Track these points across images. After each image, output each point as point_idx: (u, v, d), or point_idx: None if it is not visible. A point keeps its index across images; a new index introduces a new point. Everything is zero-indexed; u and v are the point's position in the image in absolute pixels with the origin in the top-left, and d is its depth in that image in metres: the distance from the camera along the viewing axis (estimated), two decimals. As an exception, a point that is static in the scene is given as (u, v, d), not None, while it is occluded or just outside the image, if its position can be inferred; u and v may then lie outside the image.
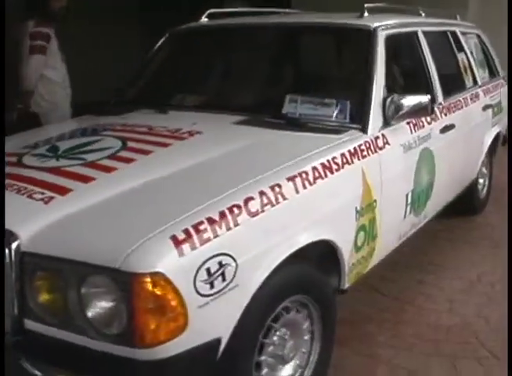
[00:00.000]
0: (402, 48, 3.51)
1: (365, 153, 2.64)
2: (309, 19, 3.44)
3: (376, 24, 3.10)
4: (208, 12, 3.61)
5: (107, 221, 1.96)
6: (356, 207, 2.54)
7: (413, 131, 3.09)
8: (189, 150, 2.48)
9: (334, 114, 2.83)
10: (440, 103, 3.55)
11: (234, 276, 1.91)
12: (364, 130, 2.76)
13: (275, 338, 2.25)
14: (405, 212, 3.05)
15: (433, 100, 3.38)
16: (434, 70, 3.59)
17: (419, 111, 2.88)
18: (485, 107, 4.29)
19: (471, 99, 4.06)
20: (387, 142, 2.82)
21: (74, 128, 3.00)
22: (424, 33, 3.62)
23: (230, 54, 3.51)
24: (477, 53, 4.62)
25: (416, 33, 3.54)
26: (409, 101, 2.85)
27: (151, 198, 2.07)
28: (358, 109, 2.83)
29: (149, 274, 1.72)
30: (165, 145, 2.53)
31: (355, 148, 2.59)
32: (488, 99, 4.39)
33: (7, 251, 1.84)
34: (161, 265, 1.73)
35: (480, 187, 4.66)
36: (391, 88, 3.06)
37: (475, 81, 4.33)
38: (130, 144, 2.54)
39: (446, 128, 3.49)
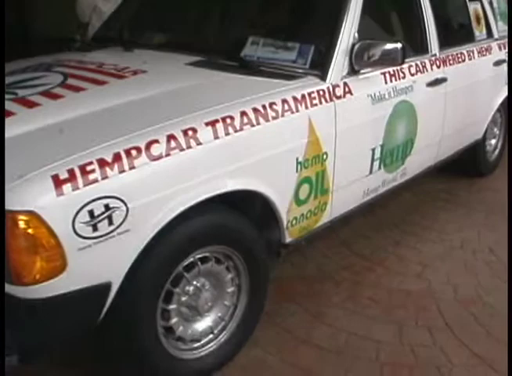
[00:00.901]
0: None
1: (315, 101, 2.47)
2: None
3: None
4: None
5: (8, 156, 1.90)
6: (298, 159, 2.39)
7: (389, 81, 2.87)
8: (122, 89, 2.38)
9: (294, 59, 2.65)
10: (433, 55, 3.29)
11: (124, 220, 1.83)
12: (323, 77, 2.58)
13: (188, 288, 2.18)
14: (371, 167, 2.87)
15: (425, 51, 3.17)
16: (432, 18, 3.33)
17: (387, 60, 2.66)
18: (498, 62, 3.96)
19: (479, 52, 3.76)
20: (350, 92, 2.64)
21: (35, 63, 2.93)
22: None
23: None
24: (500, 3, 4.25)
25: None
26: (376, 48, 2.63)
27: (58, 137, 2.00)
28: (322, 54, 2.64)
29: (22, 212, 1.67)
30: (102, 83, 2.44)
31: (302, 95, 2.42)
32: (504, 54, 4.05)
33: None
34: (35, 204, 1.67)
35: (489, 148, 4.37)
36: (370, 34, 2.84)
37: (490, 34, 4.00)
38: (69, 81, 2.47)
39: (437, 82, 3.25)
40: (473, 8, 3.84)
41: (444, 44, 3.44)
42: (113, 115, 2.13)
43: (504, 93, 4.14)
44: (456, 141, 3.74)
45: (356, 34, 2.72)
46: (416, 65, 3.11)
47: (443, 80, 3.29)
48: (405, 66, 2.99)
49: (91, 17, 4.32)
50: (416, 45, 3.28)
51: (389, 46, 2.62)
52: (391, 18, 3.23)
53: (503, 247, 3.26)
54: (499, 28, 4.15)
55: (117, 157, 1.83)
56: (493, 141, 4.42)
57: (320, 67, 2.61)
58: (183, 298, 2.19)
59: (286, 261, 3.10)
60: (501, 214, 3.64)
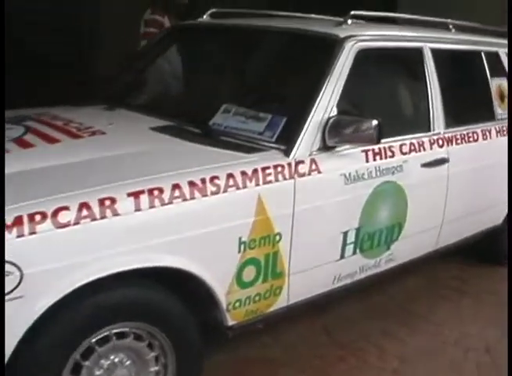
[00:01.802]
0: (393, 65, 3.07)
1: (270, 178, 2.31)
2: (277, 23, 3.12)
3: (347, 34, 2.73)
4: (211, 11, 3.42)
5: None
6: (241, 238, 2.23)
7: (371, 160, 2.68)
8: (66, 149, 2.33)
9: (262, 131, 2.52)
10: (437, 133, 3.06)
11: (17, 286, 1.75)
12: (287, 152, 2.43)
13: (103, 362, 2.04)
14: (343, 252, 2.66)
15: (425, 128, 2.97)
16: (438, 94, 3.11)
17: (361, 138, 2.48)
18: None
19: (499, 132, 3.48)
20: (317, 170, 2.46)
21: (20, 114, 2.95)
22: (434, 50, 3.14)
23: (186, 55, 3.27)
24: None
25: (420, 49, 3.08)
26: (349, 125, 2.47)
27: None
28: (291, 128, 2.50)
29: None
30: (53, 141, 2.41)
31: (254, 170, 2.27)
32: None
33: None
34: None
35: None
36: (360, 108, 2.71)
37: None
38: (26, 136, 2.46)
39: (436, 163, 3.01)
40: (496, 84, 3.59)
41: (453, 122, 3.20)
42: (35, 177, 2.06)
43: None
44: (465, 227, 3.44)
45: (335, 108, 2.57)
46: (411, 144, 2.89)
47: (444, 161, 3.04)
48: (395, 144, 2.80)
49: None
50: (416, 123, 3.08)
51: (363, 123, 2.45)
52: (388, 92, 3.04)
53: (503, 347, 2.91)
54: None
55: (17, 221, 1.76)
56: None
57: (286, 141, 2.46)
58: (97, 372, 2.04)
59: (255, 340, 2.90)
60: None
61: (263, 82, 2.84)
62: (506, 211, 3.72)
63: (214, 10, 3.43)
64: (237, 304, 2.33)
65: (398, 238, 2.92)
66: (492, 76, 3.57)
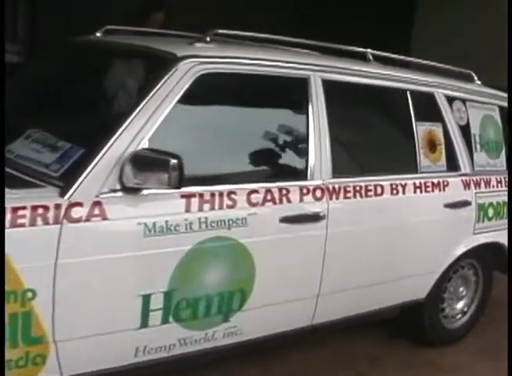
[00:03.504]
0: (259, 95, 2.56)
1: (22, 221, 1.86)
2: (126, 40, 2.68)
3: (187, 53, 2.27)
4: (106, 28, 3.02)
5: None
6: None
7: (194, 209, 2.17)
8: None
9: (49, 163, 2.09)
10: (315, 183, 2.52)
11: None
12: (63, 191, 1.98)
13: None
14: (145, 319, 2.15)
15: (299, 176, 2.47)
16: (326, 135, 2.58)
17: (155, 180, 2.00)
18: (456, 205, 3.03)
19: (419, 187, 2.88)
20: (103, 215, 2.00)
21: None
22: (328, 82, 2.62)
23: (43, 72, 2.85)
24: (487, 130, 3.34)
25: (305, 79, 2.57)
26: (145, 163, 2.00)
27: None
28: (82, 162, 2.05)
29: None
30: None
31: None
32: (471, 194, 3.11)
33: None
34: None
35: (450, 312, 3.35)
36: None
37: (453, 166, 3.10)
38: None
39: (305, 218, 2.46)
40: (425, 130, 3.00)
41: (347, 171, 2.67)
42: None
43: (474, 242, 3.17)
44: (360, 300, 2.83)
45: (146, 142, 2.10)
46: (268, 192, 2.37)
47: (318, 217, 2.49)
48: (241, 191, 2.29)
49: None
50: (286, 167, 2.58)
51: (158, 162, 1.98)
52: (245, 127, 2.50)
53: None
54: (479, 161, 3.23)
55: None
56: (460, 304, 3.40)
57: (68, 178, 2.01)
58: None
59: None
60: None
61: (81, 105, 2.39)
62: (433, 282, 3.08)
63: (109, 27, 3.02)
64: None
65: (240, 308, 2.38)
66: (419, 120, 2.98)
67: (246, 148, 2.44)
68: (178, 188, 2.03)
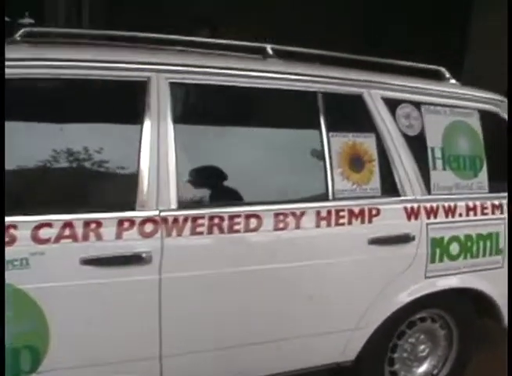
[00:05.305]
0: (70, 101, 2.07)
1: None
2: None
3: None
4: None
5: None
6: None
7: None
8: None
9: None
10: (148, 216, 1.99)
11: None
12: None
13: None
14: None
15: (130, 206, 1.99)
16: (172, 155, 2.06)
17: None
18: (389, 240, 2.31)
19: (323, 218, 2.22)
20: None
21: None
22: (177, 85, 2.09)
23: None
24: (457, 143, 2.55)
25: (144, 82, 2.05)
26: None
27: None
28: None
29: None
30: None
31: None
32: (419, 226, 2.36)
33: None
34: None
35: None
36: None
37: (392, 190, 2.37)
38: None
39: (120, 260, 1.95)
40: (345, 143, 2.32)
41: (201, 199, 2.11)
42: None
43: (427, 289, 2.43)
44: (241, 361, 2.21)
45: None
46: (67, 226, 1.90)
47: (140, 259, 1.95)
48: (24, 224, 1.87)
49: None
50: (105, 192, 2.08)
51: None
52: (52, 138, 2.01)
53: None
54: (440, 182, 2.46)
55: None
56: (423, 366, 2.61)
57: None
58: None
59: None
60: None
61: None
62: (364, 340, 2.36)
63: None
64: None
65: (34, 370, 1.91)
66: (335, 130, 2.30)
67: (41, 169, 1.96)
68: None
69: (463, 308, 2.59)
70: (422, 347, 2.60)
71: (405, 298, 2.38)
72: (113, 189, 2.06)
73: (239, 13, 6.13)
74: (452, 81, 2.67)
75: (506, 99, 2.67)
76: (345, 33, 6.33)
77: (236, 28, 5.36)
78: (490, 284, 2.54)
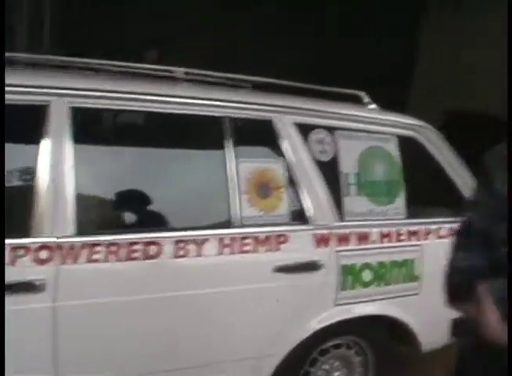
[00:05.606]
0: None
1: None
2: None
3: None
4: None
5: None
6: None
7: None
8: None
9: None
10: (43, 242, 1.97)
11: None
12: None
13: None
14: None
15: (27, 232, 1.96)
16: (71, 189, 2.02)
17: None
18: (295, 268, 2.29)
19: (226, 245, 2.20)
20: None
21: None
22: (79, 110, 2.07)
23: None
24: (372, 169, 2.54)
25: (44, 107, 2.03)
26: None
27: None
28: None
29: None
30: None
31: None
32: (328, 254, 2.35)
33: None
34: None
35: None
36: None
37: (300, 216, 2.36)
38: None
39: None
40: (252, 169, 2.30)
41: (104, 224, 2.09)
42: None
43: (337, 316, 2.41)
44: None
45: None
46: None
47: (36, 287, 1.93)
48: None
49: None
50: None
51: None
52: None
53: None
54: (353, 209, 2.45)
55: None
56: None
57: None
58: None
59: None
60: None
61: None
62: (272, 366, 2.35)
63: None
64: None
65: None
66: (244, 156, 2.29)
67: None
68: None
69: (378, 335, 2.58)
70: (336, 374, 2.57)
71: (315, 325, 2.37)
72: (8, 215, 2.02)
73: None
74: (372, 105, 2.66)
75: (425, 124, 2.66)
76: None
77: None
78: (404, 311, 2.52)
